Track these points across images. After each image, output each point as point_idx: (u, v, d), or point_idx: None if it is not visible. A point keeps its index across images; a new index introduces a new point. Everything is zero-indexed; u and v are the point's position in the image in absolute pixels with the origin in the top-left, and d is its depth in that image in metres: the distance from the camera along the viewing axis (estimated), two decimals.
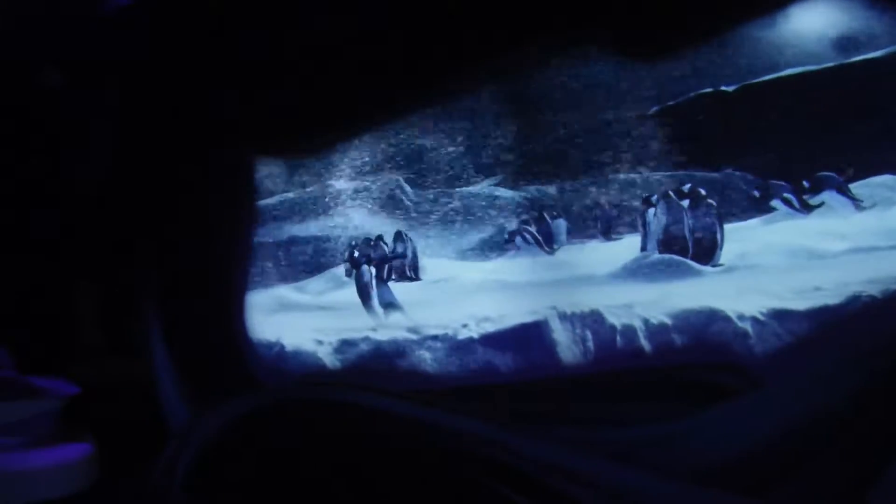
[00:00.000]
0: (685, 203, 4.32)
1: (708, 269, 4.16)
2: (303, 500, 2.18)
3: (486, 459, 2.11)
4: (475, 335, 3.55)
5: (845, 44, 4.30)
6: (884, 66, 4.27)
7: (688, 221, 4.28)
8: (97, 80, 2.72)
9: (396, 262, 4.82)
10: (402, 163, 4.98)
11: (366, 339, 3.68)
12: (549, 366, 3.42)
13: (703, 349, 3.32)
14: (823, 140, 4.50)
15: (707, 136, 4.68)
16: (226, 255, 2.97)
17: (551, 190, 5.14)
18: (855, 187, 4.35)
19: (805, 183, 4.38)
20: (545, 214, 5.04)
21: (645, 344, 3.40)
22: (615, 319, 3.47)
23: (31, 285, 2.70)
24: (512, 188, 5.22)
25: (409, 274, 4.90)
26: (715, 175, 4.73)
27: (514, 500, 2.02)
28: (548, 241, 4.95)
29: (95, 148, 2.75)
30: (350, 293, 4.44)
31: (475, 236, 5.12)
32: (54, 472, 2.25)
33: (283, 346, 3.66)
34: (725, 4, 2.73)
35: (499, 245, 5.05)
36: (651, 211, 4.49)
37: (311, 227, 5.21)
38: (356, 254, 4.50)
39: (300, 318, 4.20)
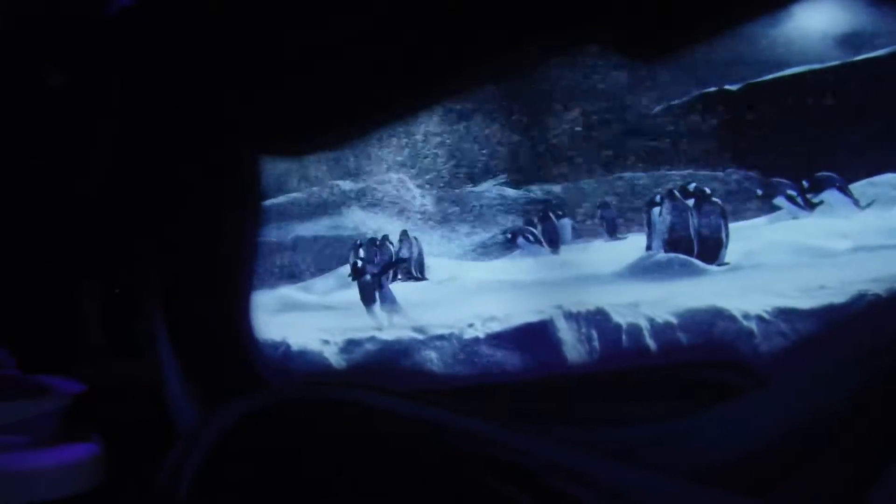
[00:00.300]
0: (690, 202, 4.31)
1: (713, 267, 4.16)
2: (308, 500, 2.18)
3: (490, 459, 2.11)
4: (481, 335, 3.55)
5: (848, 43, 4.28)
6: (886, 65, 4.25)
7: (693, 220, 4.27)
8: (97, 80, 2.73)
9: (401, 264, 4.82)
10: (406, 163, 4.99)
11: (372, 338, 3.70)
12: (554, 365, 3.42)
13: (708, 348, 3.32)
14: (824, 139, 4.49)
15: (711, 135, 4.67)
16: (231, 255, 2.97)
17: (556, 189, 5.14)
18: (859, 186, 4.34)
19: (805, 182, 4.37)
20: (550, 214, 5.04)
21: (650, 343, 3.40)
22: (620, 318, 3.47)
23: (33, 286, 2.71)
24: (517, 188, 5.22)
25: (415, 274, 4.90)
26: (719, 173, 4.71)
27: (517, 499, 2.02)
28: (552, 241, 4.95)
29: (96, 148, 2.76)
30: (356, 293, 4.45)
31: (481, 236, 5.12)
32: (60, 472, 2.25)
33: (288, 346, 3.67)
34: (725, 4, 2.72)
35: (504, 245, 5.05)
36: (656, 210, 4.49)
37: (317, 227, 5.22)
38: (359, 263, 4.49)
39: (306, 318, 4.22)
